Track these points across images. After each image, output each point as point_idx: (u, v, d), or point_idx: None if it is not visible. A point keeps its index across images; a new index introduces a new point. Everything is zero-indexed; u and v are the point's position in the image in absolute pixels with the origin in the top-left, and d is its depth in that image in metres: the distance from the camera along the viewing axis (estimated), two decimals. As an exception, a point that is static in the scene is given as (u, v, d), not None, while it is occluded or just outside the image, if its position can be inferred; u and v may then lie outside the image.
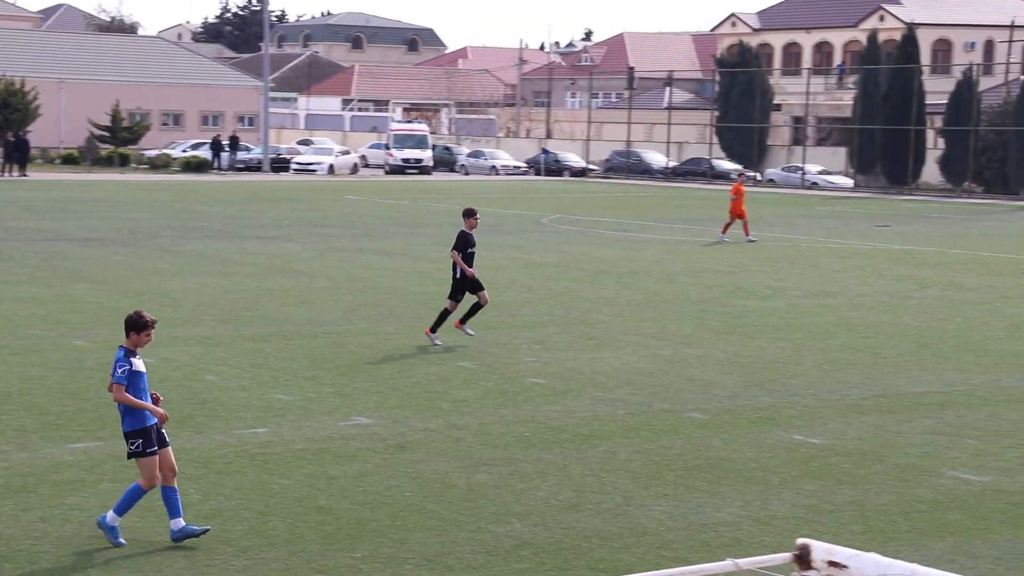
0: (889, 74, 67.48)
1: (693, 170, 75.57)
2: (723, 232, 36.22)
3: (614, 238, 36.30)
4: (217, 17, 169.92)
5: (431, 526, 10.54)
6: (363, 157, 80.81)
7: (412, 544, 10.12)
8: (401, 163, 75.05)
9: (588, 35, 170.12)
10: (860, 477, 12.20)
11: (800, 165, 70.94)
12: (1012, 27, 77.54)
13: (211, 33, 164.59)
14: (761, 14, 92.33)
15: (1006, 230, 42.89)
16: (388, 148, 77.24)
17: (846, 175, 70.49)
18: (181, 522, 9.99)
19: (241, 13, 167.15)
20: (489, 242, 34.20)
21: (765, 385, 16.22)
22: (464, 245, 19.06)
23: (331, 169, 72.88)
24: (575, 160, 79.15)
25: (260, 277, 25.86)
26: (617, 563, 9.79)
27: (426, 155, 76.07)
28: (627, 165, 77.36)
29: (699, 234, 38.19)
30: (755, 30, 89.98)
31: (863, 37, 74.90)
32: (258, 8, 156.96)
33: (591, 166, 79.31)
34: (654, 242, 35.35)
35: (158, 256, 29.49)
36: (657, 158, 78.49)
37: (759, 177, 71.96)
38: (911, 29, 69.01)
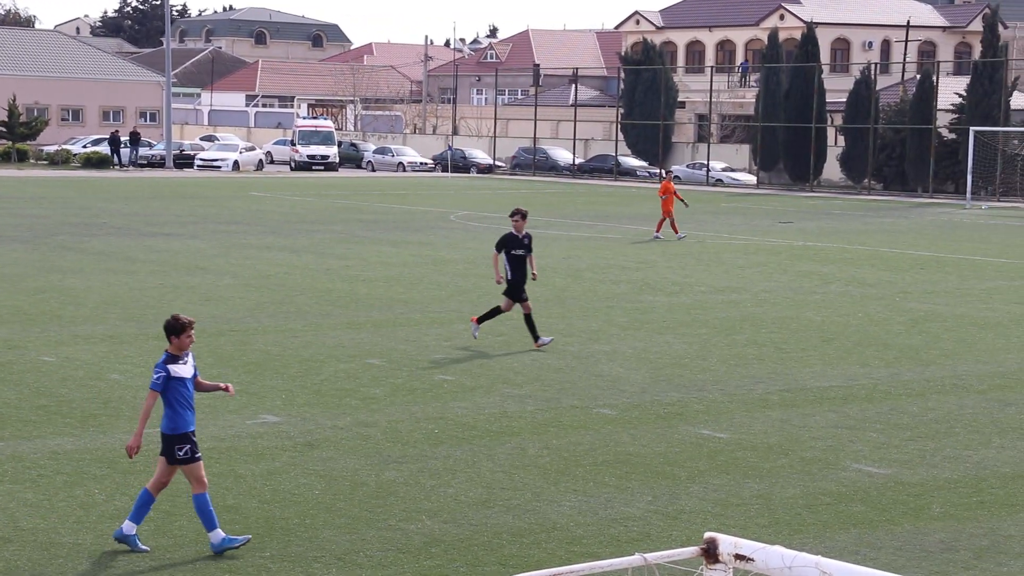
0: (790, 72, 68.44)
1: (599, 167, 76.00)
2: (676, 232, 35.72)
3: (521, 235, 36.34)
4: (116, 11, 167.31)
5: (341, 524, 10.49)
6: (268, 153, 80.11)
7: (322, 542, 10.06)
8: (307, 160, 74.50)
9: (493, 32, 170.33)
10: (766, 471, 12.37)
11: (704, 162, 71.69)
12: (908, 27, 79.06)
13: (110, 27, 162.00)
14: (664, 12, 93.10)
15: (905, 226, 43.73)
16: (294, 144, 76.62)
17: (750, 172, 71.38)
18: (134, 528, 9.82)
19: (141, 7, 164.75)
20: (397, 239, 34.09)
21: (673, 380, 16.38)
22: (505, 246, 18.58)
23: (236, 165, 72.14)
24: (482, 157, 79.18)
25: (164, 275, 25.52)
26: (527, 559, 9.83)
27: (332, 151, 75.60)
28: (534, 162, 77.59)
29: (606, 231, 38.42)
30: (658, 28, 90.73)
31: (764, 36, 75.84)
32: (158, 2, 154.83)
33: (498, 163, 79.40)
34: (561, 239, 35.50)
35: (59, 253, 28.98)
36: (563, 155, 78.80)
37: (664, 174, 72.54)
38: (811, 28, 70.05)
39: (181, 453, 9.73)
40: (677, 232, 36.00)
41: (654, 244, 34.50)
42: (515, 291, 18.59)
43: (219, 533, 9.74)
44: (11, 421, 13.54)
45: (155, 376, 9.71)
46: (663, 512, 11.03)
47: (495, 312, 18.68)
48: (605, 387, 15.86)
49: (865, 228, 42.34)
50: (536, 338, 18.34)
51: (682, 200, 36.12)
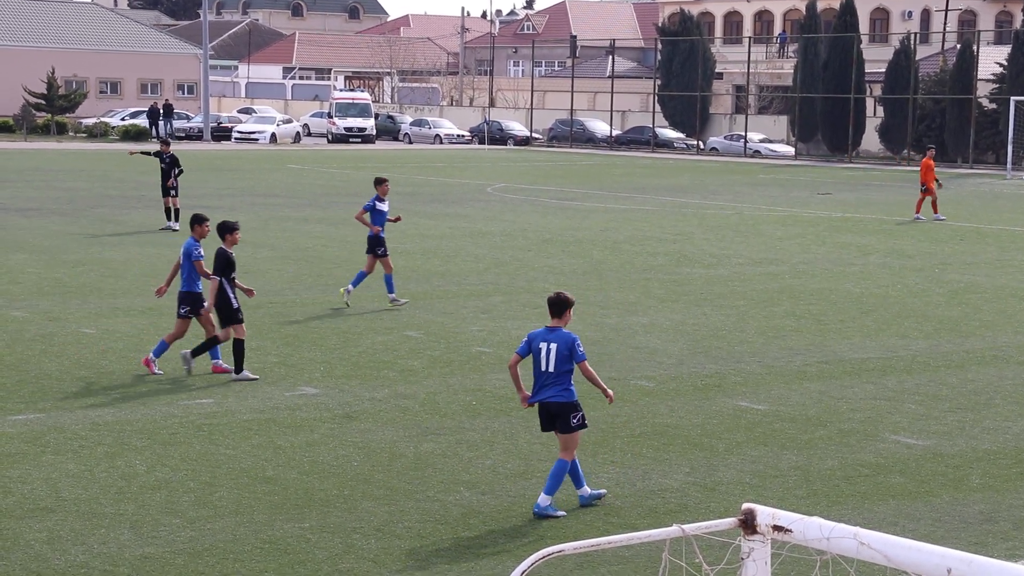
0: (828, 43, 67.83)
1: (636, 139, 75.72)
2: (917, 212, 34.48)
3: (559, 207, 36.34)
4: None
5: (379, 495, 10.55)
6: (305, 126, 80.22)
7: (360, 513, 10.12)
8: (344, 132, 74.58)
9: (530, 3, 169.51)
10: (804, 442, 12.34)
11: (742, 133, 71.29)
12: (949, -4, 78.15)
13: (147, 0, 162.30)
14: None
15: (944, 197, 43.29)
16: (330, 117, 76.68)
17: (788, 143, 70.93)
18: (589, 491, 10.49)
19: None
20: (435, 211, 34.10)
21: (710, 352, 16.34)
22: None
23: (273, 138, 72.30)
24: (519, 129, 79.02)
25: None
26: (565, 530, 9.86)
27: (369, 124, 75.64)
28: (571, 134, 77.39)
29: (644, 203, 38.30)
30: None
31: (802, 6, 75.13)
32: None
33: (535, 135, 79.23)
34: (599, 211, 35.42)
35: (98, 226, 29.17)
36: (600, 127, 78.53)
37: (701, 145, 72.27)
38: (850, -2, 69.40)
39: (576, 421, 10.31)
40: (918, 212, 34.29)
41: (691, 216, 34.35)
42: None
43: (585, 489, 10.40)
44: (52, 392, 13.68)
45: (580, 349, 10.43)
46: (701, 484, 11.03)
47: None
48: (642, 359, 15.85)
49: (904, 199, 42.01)
50: None
51: (937, 181, 34.05)
